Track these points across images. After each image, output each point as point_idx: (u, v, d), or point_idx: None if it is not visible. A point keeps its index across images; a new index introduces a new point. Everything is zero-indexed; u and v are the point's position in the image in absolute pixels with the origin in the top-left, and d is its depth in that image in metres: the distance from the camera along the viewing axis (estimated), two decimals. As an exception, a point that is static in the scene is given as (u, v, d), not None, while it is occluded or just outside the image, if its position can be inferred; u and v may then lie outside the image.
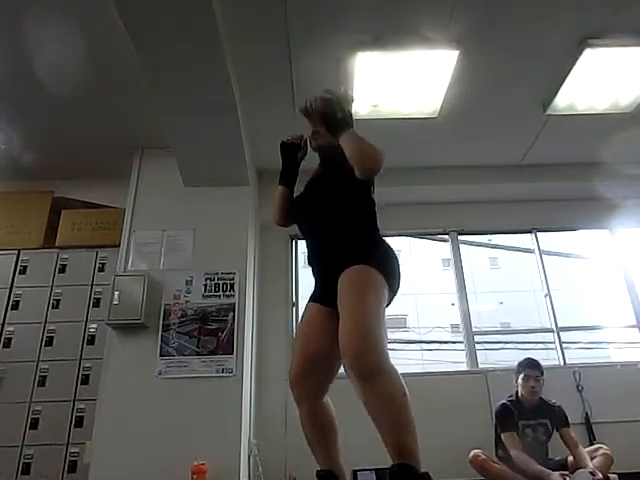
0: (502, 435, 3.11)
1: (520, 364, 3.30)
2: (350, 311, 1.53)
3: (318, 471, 1.67)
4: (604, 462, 2.93)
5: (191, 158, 3.36)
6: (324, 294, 1.75)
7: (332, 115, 1.81)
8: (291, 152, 2.00)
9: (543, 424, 3.16)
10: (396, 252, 1.76)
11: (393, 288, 1.69)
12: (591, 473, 2.79)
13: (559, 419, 3.17)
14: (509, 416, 3.14)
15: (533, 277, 4.42)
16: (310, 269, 1.87)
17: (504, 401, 3.23)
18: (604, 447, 3.07)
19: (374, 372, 1.41)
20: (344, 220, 1.76)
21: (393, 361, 1.48)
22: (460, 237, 4.48)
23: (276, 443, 3.39)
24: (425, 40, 2.91)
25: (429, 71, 3.13)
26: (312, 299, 1.82)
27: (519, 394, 3.22)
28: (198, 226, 3.46)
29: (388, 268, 1.68)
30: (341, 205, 1.78)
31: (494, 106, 3.55)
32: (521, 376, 3.23)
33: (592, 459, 2.96)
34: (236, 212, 3.52)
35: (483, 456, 3.02)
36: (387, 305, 1.67)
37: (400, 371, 1.47)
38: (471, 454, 3.05)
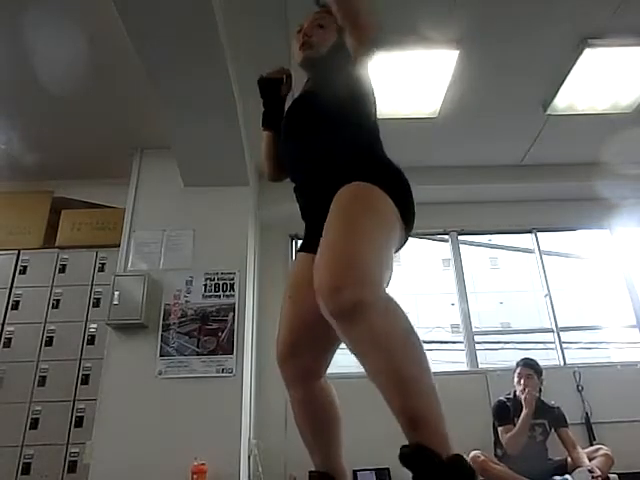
0: (499, 429, 3.11)
1: (517, 363, 3.33)
2: (332, 236, 1.10)
3: (311, 472, 1.34)
4: (604, 463, 2.93)
5: (191, 158, 3.36)
6: (312, 236, 1.31)
7: None
8: (273, 89, 1.65)
9: (540, 424, 3.16)
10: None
11: (407, 221, 1.25)
12: (589, 471, 2.79)
13: (557, 419, 3.18)
14: (505, 410, 3.16)
15: (533, 277, 4.42)
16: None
17: (501, 398, 3.25)
18: (604, 448, 3.07)
19: (355, 308, 0.95)
20: (339, 134, 1.36)
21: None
22: (460, 237, 4.48)
23: (276, 443, 3.39)
24: (425, 40, 2.91)
25: (429, 71, 3.13)
26: (300, 247, 1.44)
27: (516, 393, 3.23)
28: (198, 226, 3.46)
29: (400, 191, 1.24)
30: (337, 117, 1.37)
31: (494, 106, 3.55)
32: (515, 374, 3.26)
33: (592, 460, 2.96)
34: (236, 212, 3.52)
35: (483, 457, 3.02)
36: (398, 248, 1.25)
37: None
38: (470, 455, 3.04)
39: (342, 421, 1.38)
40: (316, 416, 1.35)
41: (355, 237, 1.07)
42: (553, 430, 3.18)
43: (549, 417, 3.19)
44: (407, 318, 1.02)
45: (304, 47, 1.55)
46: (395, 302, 1.02)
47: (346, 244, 1.06)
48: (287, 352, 1.32)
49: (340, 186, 1.20)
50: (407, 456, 0.94)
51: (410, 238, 1.34)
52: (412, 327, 1.02)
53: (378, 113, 1.51)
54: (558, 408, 3.23)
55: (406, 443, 0.95)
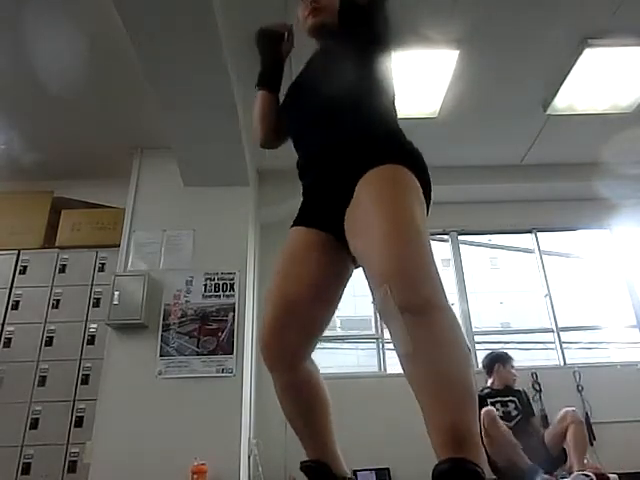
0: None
1: (502, 357, 3.35)
2: (384, 219, 1.03)
3: (303, 462, 1.24)
4: (577, 432, 2.88)
5: (191, 158, 3.36)
6: (317, 211, 1.26)
7: None
8: (273, 44, 1.52)
9: (512, 401, 3.21)
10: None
11: (428, 201, 1.22)
12: (585, 475, 2.78)
13: (528, 405, 3.23)
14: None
15: (533, 277, 4.42)
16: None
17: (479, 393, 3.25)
18: (570, 412, 2.97)
19: (430, 304, 0.93)
20: (359, 102, 1.25)
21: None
22: (460, 237, 4.49)
23: (276, 443, 3.39)
24: (425, 40, 2.91)
25: (429, 71, 3.13)
26: (296, 222, 1.32)
27: (494, 383, 3.28)
28: (198, 226, 3.46)
29: (425, 174, 1.21)
30: (354, 82, 1.26)
31: (494, 106, 3.55)
32: (510, 365, 3.30)
33: (565, 433, 2.91)
34: (236, 212, 3.52)
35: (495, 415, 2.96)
36: None
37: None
38: (486, 409, 2.96)
39: (330, 404, 1.28)
40: (303, 400, 1.25)
41: (410, 230, 1.03)
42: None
43: (518, 397, 3.24)
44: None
45: (313, 13, 1.43)
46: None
47: (409, 231, 1.03)
48: (274, 331, 1.20)
49: (368, 165, 1.11)
50: (452, 473, 0.81)
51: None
52: (465, 337, 0.99)
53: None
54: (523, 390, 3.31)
55: (441, 459, 0.83)
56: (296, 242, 1.28)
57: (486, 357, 3.43)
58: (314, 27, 1.44)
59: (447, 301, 0.99)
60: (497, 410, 3.12)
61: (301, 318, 1.20)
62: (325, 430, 1.26)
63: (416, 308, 0.92)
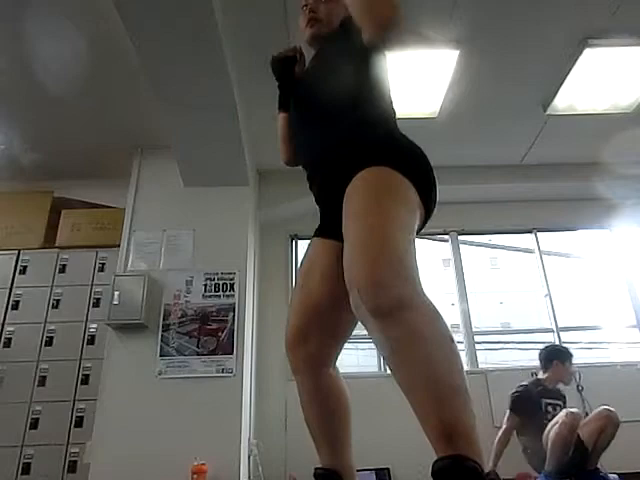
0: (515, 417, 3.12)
1: (563, 353, 3.32)
2: (359, 227, 1.04)
3: (317, 469, 1.27)
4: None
5: (191, 158, 3.37)
6: (328, 222, 1.30)
7: None
8: (286, 68, 1.58)
9: (559, 405, 3.20)
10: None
11: (427, 204, 1.17)
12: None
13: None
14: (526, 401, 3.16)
15: (533, 277, 4.42)
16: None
17: (521, 389, 3.22)
18: (612, 412, 2.95)
19: (399, 305, 0.91)
20: (348, 109, 1.27)
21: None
22: (460, 237, 4.48)
23: (276, 443, 3.39)
24: (425, 40, 2.90)
25: (429, 71, 3.13)
26: (315, 232, 1.37)
27: (547, 379, 3.25)
28: (198, 226, 3.46)
29: (418, 172, 1.17)
30: (348, 97, 1.28)
31: (494, 106, 3.55)
32: (569, 363, 3.28)
33: (602, 430, 2.90)
34: (236, 212, 3.52)
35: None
36: (418, 230, 1.18)
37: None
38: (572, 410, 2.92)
39: (351, 413, 1.31)
40: (324, 405, 1.27)
41: (384, 231, 1.01)
42: None
43: (564, 400, 3.24)
44: (445, 321, 0.96)
45: (311, 24, 1.49)
46: (433, 303, 0.97)
47: (377, 239, 1.00)
48: (296, 337, 1.26)
49: (356, 170, 1.13)
50: (448, 470, 0.82)
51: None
52: (450, 331, 0.96)
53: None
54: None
55: (439, 456, 0.85)
56: (313, 252, 1.35)
57: (545, 348, 3.39)
58: (312, 38, 1.50)
59: (422, 297, 0.96)
60: (549, 413, 3.12)
61: (324, 322, 1.25)
62: (344, 440, 1.29)
63: (386, 311, 0.91)
